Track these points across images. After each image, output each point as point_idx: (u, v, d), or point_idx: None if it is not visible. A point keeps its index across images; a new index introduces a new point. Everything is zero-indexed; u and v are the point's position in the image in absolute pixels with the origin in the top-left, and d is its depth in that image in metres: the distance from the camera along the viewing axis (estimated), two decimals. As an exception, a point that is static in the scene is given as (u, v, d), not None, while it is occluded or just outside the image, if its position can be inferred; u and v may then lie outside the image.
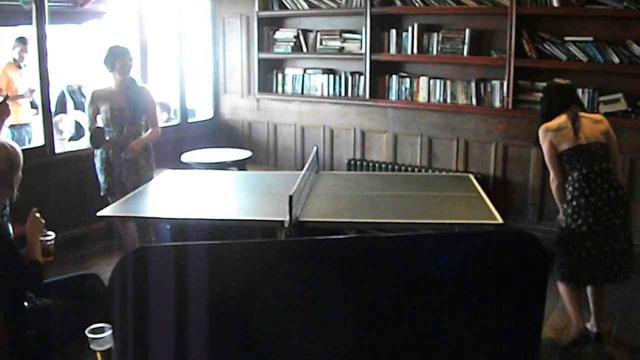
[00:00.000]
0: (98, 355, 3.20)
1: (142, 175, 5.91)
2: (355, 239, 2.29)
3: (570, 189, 4.62)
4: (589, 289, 4.84)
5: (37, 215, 3.76)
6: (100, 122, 5.92)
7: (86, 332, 3.19)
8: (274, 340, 2.23)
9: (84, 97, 9.55)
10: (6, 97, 4.72)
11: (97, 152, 5.93)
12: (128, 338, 2.20)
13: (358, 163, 7.60)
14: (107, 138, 5.84)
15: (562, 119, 4.69)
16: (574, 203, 4.58)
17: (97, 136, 5.78)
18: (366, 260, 2.23)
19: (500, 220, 4.41)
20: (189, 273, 2.16)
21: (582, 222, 4.55)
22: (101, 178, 5.96)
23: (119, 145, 5.86)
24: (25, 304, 3.55)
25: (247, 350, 2.22)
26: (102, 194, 5.98)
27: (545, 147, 4.71)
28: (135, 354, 2.19)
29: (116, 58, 5.85)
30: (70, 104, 9.28)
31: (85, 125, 6.22)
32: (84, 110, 9.18)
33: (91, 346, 3.20)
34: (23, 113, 8.30)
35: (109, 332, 3.15)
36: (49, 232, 3.85)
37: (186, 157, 7.04)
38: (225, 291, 2.18)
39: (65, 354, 3.60)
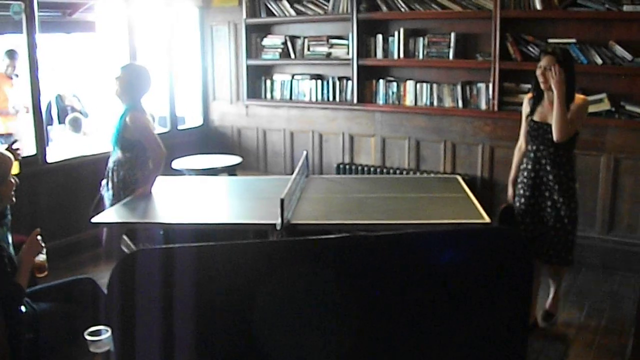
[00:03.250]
0: (97, 357, 3.27)
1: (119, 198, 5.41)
2: (344, 238, 2.34)
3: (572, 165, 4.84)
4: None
5: (39, 238, 3.80)
6: None
7: (85, 334, 3.26)
8: (267, 341, 2.29)
9: (69, 106, 9.59)
10: (14, 142, 4.64)
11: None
12: (126, 340, 2.26)
13: (347, 167, 7.69)
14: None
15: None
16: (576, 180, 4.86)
17: None
18: (356, 259, 2.29)
19: (487, 219, 4.50)
20: (185, 275, 2.22)
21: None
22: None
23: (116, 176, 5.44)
24: (23, 308, 3.61)
25: (242, 349, 2.28)
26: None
27: (582, 117, 4.75)
28: (133, 356, 2.25)
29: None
30: (55, 113, 9.33)
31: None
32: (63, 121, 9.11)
33: (90, 348, 3.26)
34: (12, 124, 8.31)
35: (107, 335, 3.22)
36: (43, 249, 3.88)
37: (177, 164, 7.11)
38: (221, 292, 2.24)
39: (63, 357, 3.66)
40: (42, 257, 3.86)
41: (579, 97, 4.73)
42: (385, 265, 2.30)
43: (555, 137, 4.65)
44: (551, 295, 5.25)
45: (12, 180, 3.76)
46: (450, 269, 2.32)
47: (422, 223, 4.50)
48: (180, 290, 2.20)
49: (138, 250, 2.28)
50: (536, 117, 4.82)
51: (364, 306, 2.30)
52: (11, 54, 8.03)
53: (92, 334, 3.28)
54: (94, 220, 4.82)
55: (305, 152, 6.06)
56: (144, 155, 5.46)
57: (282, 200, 4.30)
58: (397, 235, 2.58)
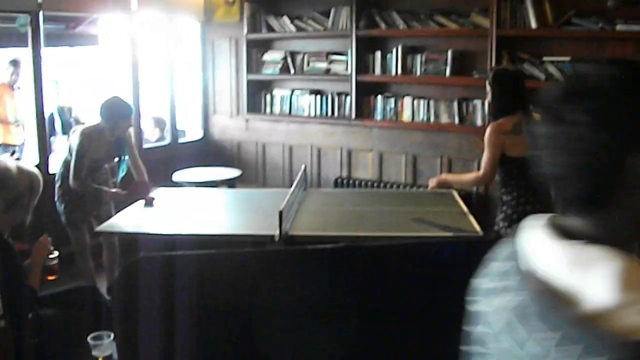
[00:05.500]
0: (100, 360, 3.35)
1: (111, 210, 5.85)
2: (341, 248, 2.45)
3: (516, 194, 4.64)
4: None
5: (48, 240, 3.90)
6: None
7: (88, 339, 3.35)
8: (266, 345, 2.38)
9: (72, 118, 9.69)
10: (13, 152, 4.71)
11: (67, 185, 5.69)
12: (129, 343, 2.34)
13: (345, 181, 7.79)
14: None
15: (514, 120, 4.56)
16: (520, 210, 4.60)
17: None
18: (353, 267, 2.39)
19: (480, 232, 4.60)
20: (186, 280, 2.31)
21: None
22: (66, 209, 5.78)
23: (98, 195, 5.72)
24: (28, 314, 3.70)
25: (241, 353, 2.37)
26: (64, 221, 5.79)
27: (491, 147, 4.61)
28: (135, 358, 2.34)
29: (118, 119, 5.61)
30: (58, 124, 9.42)
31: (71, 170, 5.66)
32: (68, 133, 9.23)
33: (93, 353, 3.35)
34: (12, 134, 8.42)
35: (109, 339, 3.31)
36: (54, 251, 3.98)
37: (177, 176, 7.20)
38: (221, 298, 2.34)
39: (68, 362, 3.74)
40: (53, 257, 3.94)
41: (489, 127, 4.72)
42: (382, 273, 2.40)
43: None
44: None
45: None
46: (445, 277, 2.42)
47: (418, 235, 4.59)
48: (182, 295, 2.30)
49: (140, 257, 2.38)
50: None
51: (360, 312, 2.39)
52: (15, 62, 8.15)
53: (94, 338, 3.37)
54: (97, 229, 4.94)
55: (304, 166, 6.15)
56: None
57: (280, 212, 4.40)
58: (395, 245, 2.68)
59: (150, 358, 2.37)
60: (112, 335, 3.02)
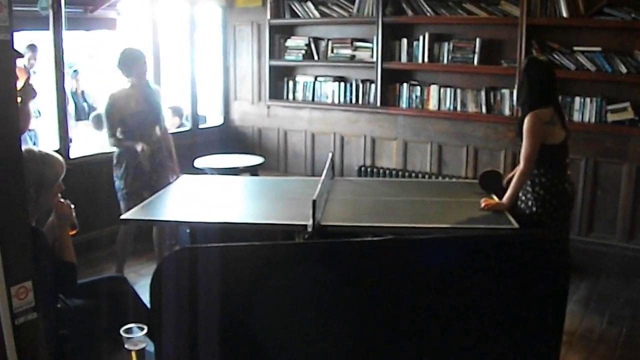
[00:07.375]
0: (133, 354, 3.26)
1: (169, 177, 5.98)
2: (373, 242, 2.35)
3: (550, 176, 4.73)
4: None
5: (62, 201, 3.75)
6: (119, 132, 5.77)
7: (121, 331, 3.25)
8: (300, 342, 2.29)
9: (87, 102, 9.62)
10: (28, 78, 4.57)
11: (125, 159, 5.77)
12: (170, 338, 2.25)
13: (368, 169, 7.70)
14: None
15: (550, 111, 4.71)
16: (554, 190, 4.72)
17: None
18: (383, 262, 2.29)
19: (516, 225, 4.49)
20: (232, 274, 2.22)
21: (561, 208, 4.76)
22: (125, 182, 5.78)
23: (150, 151, 5.76)
24: (58, 305, 3.62)
25: (279, 349, 2.28)
26: (122, 196, 5.81)
27: (534, 138, 4.68)
28: (176, 354, 2.24)
29: (134, 62, 5.74)
30: (72, 109, 9.34)
31: (105, 132, 5.86)
32: (86, 116, 9.16)
33: (126, 345, 3.26)
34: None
35: (142, 333, 3.22)
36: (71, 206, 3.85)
37: (199, 163, 7.12)
38: (265, 292, 2.24)
39: (98, 353, 3.66)
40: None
41: (529, 116, 4.75)
42: (415, 269, 2.31)
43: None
44: None
45: (60, 186, 3.73)
46: (485, 274, 2.32)
47: (453, 227, 4.50)
48: (223, 288, 2.20)
49: (181, 248, 2.28)
50: None
51: (385, 309, 2.30)
52: (32, 47, 8.09)
53: (126, 331, 3.28)
54: (124, 216, 4.85)
55: (330, 154, 6.05)
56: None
57: (314, 202, 4.30)
58: (430, 240, 2.58)
59: (190, 354, 2.28)
60: (145, 328, 2.93)
